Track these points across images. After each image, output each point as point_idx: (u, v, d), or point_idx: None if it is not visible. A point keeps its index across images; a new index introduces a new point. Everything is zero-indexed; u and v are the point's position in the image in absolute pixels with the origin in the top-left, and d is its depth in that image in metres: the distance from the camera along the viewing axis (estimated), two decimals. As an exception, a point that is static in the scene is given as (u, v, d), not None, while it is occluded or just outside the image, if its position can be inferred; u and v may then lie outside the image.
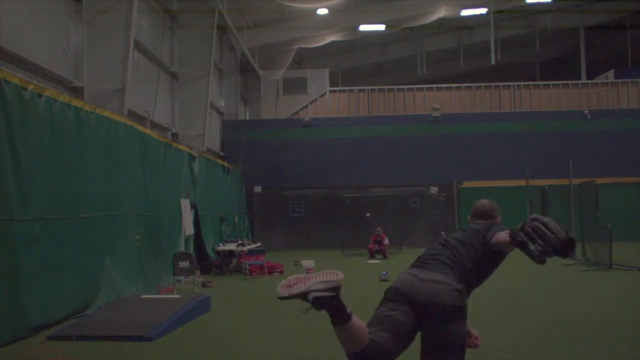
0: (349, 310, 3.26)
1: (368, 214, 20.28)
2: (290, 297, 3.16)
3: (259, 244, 16.20)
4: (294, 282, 3.19)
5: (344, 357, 3.54)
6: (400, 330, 3.43)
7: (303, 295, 3.14)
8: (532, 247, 3.06)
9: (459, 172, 23.22)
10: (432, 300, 3.41)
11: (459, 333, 3.46)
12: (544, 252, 3.03)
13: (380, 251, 18.32)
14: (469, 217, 4.16)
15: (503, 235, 3.41)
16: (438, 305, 3.40)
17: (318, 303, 3.14)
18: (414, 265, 3.74)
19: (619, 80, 25.21)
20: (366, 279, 12.37)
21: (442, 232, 3.93)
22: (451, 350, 3.44)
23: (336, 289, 3.18)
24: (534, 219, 3.15)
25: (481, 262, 3.69)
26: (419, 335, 3.57)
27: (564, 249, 3.05)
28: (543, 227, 3.06)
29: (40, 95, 7.53)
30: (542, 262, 3.08)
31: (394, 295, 3.56)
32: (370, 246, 18.39)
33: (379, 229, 18.61)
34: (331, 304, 3.18)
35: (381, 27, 23.46)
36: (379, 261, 17.29)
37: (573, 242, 3.05)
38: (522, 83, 25.59)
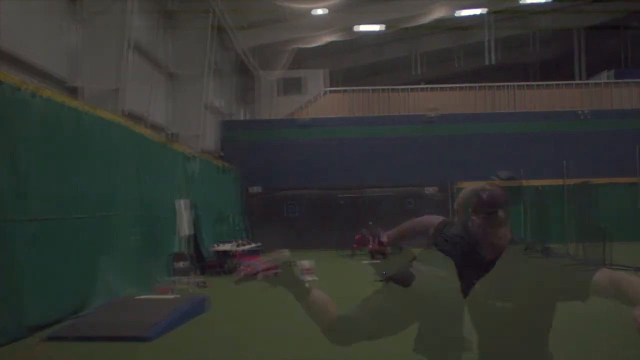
0: (307, 285, 3.42)
1: (370, 223, 20.23)
2: (241, 280, 3.44)
3: (258, 244, 16.19)
4: (244, 268, 3.48)
5: (343, 358, 3.55)
6: (384, 313, 3.45)
7: (251, 276, 3.44)
8: None
9: (455, 172, 23.21)
10: (432, 295, 3.42)
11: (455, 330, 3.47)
12: None
13: (380, 251, 18.19)
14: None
15: None
16: (437, 301, 3.41)
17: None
18: (415, 259, 3.75)
19: (617, 81, 25.24)
20: (366, 279, 12.35)
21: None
22: (447, 346, 3.45)
23: (282, 265, 3.41)
24: None
25: None
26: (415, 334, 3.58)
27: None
28: None
29: (37, 96, 7.51)
30: None
31: (389, 286, 3.57)
32: (370, 246, 18.26)
33: (377, 228, 18.49)
34: (282, 280, 3.39)
35: (378, 28, 23.48)
36: (378, 261, 17.21)
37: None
38: (518, 84, 25.61)
